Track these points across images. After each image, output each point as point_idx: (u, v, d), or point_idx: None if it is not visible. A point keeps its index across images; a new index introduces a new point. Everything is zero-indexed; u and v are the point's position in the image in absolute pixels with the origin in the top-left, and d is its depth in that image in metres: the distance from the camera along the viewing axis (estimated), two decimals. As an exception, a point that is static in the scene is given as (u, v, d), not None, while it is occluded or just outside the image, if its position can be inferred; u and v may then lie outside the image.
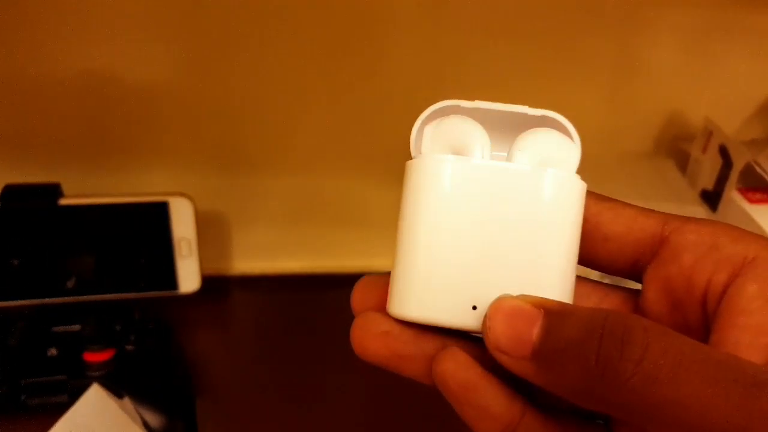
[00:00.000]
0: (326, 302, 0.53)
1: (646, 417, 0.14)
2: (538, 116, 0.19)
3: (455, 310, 0.17)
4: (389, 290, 0.18)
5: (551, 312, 0.15)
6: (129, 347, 0.41)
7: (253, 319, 0.51)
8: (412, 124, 0.57)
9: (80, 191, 0.41)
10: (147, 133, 0.47)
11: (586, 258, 0.18)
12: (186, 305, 0.47)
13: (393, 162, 0.55)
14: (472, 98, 0.53)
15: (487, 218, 0.17)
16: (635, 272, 0.18)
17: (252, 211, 0.52)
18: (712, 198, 0.48)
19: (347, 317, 0.60)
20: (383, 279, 0.19)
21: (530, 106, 0.20)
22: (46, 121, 0.45)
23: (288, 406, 0.43)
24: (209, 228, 0.50)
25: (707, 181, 0.49)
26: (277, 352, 0.47)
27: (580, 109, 0.50)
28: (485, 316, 0.16)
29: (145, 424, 0.38)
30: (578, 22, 0.47)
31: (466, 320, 0.17)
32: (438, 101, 0.21)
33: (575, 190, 0.18)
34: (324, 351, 0.48)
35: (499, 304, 0.16)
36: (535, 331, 0.15)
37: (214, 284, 0.51)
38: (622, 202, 0.18)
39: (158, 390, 0.40)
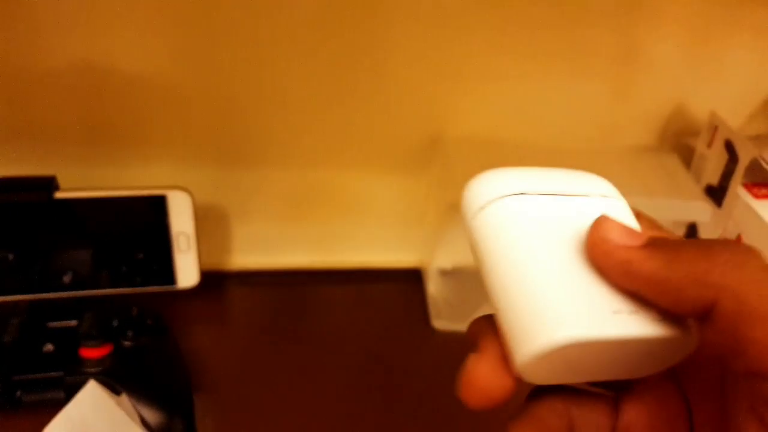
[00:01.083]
0: (324, 296, 0.53)
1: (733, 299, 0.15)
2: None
3: (599, 318, 0.17)
4: (512, 340, 0.17)
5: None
6: (126, 343, 0.40)
7: (251, 315, 0.51)
8: (412, 118, 0.56)
9: (76, 184, 0.40)
10: (144, 126, 0.46)
11: None
12: (184, 300, 0.46)
13: (392, 157, 0.56)
14: (475, 93, 0.52)
15: (562, 239, 0.18)
16: None
17: (251, 206, 0.52)
18: (716, 193, 0.48)
19: (344, 311, 0.60)
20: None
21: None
22: (41, 114, 0.44)
23: (286, 401, 0.43)
24: (208, 222, 0.50)
25: (712, 177, 0.48)
26: (275, 347, 0.47)
27: (584, 103, 0.50)
28: (599, 217, 0.18)
29: (143, 421, 0.37)
30: (582, 15, 0.46)
31: (616, 325, 0.17)
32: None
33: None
34: (322, 346, 0.48)
35: (607, 217, 0.18)
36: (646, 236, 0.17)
37: (212, 279, 0.51)
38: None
39: (156, 386, 0.39)
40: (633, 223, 0.19)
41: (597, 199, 0.20)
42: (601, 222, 0.18)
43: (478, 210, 0.19)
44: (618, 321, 0.16)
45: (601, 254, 0.17)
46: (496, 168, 0.21)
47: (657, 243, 0.17)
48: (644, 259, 0.16)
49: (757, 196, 0.45)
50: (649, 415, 0.19)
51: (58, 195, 0.40)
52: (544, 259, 0.17)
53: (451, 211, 0.46)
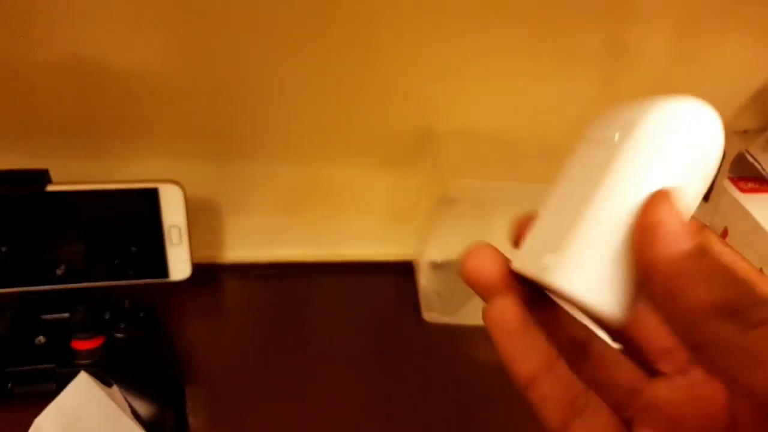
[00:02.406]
0: (316, 289, 0.53)
1: (749, 366, 0.14)
2: None
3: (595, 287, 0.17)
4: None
5: (711, 238, 0.16)
6: (118, 335, 0.41)
7: (244, 307, 0.51)
8: (403, 114, 0.56)
9: (69, 178, 0.40)
10: (138, 120, 0.46)
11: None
12: (177, 293, 0.46)
13: (384, 152, 0.56)
14: (465, 88, 0.52)
15: None
16: None
17: (244, 199, 0.52)
18: (704, 187, 0.48)
19: (337, 304, 0.61)
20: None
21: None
22: (34, 108, 0.44)
23: (279, 393, 0.43)
24: (201, 215, 0.50)
25: (699, 171, 0.49)
26: (268, 339, 0.47)
27: (572, 98, 0.51)
28: (660, 190, 0.16)
29: (134, 413, 0.38)
30: (570, 11, 0.47)
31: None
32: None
33: None
34: (315, 338, 0.48)
35: (675, 202, 0.16)
36: (702, 239, 0.15)
37: (205, 272, 0.51)
38: None
39: (147, 378, 0.40)
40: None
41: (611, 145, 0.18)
42: (656, 202, 0.15)
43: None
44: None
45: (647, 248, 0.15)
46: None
47: (704, 252, 0.15)
48: (674, 262, 0.15)
49: (743, 190, 0.46)
50: (679, 399, 0.18)
51: (51, 188, 0.40)
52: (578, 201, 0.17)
53: (442, 205, 0.46)
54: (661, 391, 0.19)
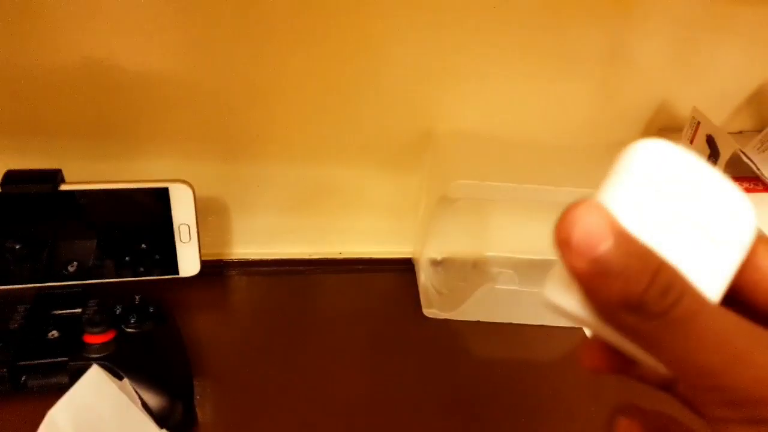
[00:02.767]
0: (321, 285, 0.54)
1: (658, 352, 0.17)
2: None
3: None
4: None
5: (622, 236, 0.17)
6: (129, 329, 0.41)
7: (250, 302, 0.52)
8: (405, 114, 0.57)
9: (82, 178, 0.41)
10: (148, 120, 0.47)
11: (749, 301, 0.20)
12: (186, 288, 0.47)
13: (386, 152, 0.57)
14: (465, 89, 0.53)
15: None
16: None
17: (251, 198, 0.53)
18: (699, 187, 0.49)
19: (340, 299, 0.61)
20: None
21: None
22: (48, 108, 0.45)
23: (284, 385, 0.44)
24: (209, 213, 0.51)
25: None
26: (273, 333, 0.48)
27: (570, 99, 0.51)
28: (567, 208, 0.17)
29: (144, 405, 0.38)
30: (569, 14, 0.47)
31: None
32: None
33: None
34: (319, 333, 0.49)
35: (586, 208, 0.17)
36: (605, 245, 0.17)
37: (213, 268, 0.52)
38: None
39: (157, 371, 0.40)
40: (720, 280, 0.18)
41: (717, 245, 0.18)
42: (569, 221, 0.17)
43: (624, 169, 0.19)
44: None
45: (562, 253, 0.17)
46: (670, 146, 0.19)
47: (607, 261, 0.17)
48: (581, 275, 0.17)
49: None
50: None
51: (64, 187, 0.41)
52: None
53: (442, 204, 0.47)
54: None
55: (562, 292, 0.18)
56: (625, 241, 0.17)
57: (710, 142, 0.47)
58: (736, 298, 0.20)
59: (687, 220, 0.18)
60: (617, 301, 0.17)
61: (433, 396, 0.44)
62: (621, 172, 0.18)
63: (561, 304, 0.18)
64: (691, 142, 0.50)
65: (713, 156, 0.47)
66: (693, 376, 0.16)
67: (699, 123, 0.49)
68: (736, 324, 0.17)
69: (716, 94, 0.53)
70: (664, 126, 0.54)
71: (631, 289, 0.16)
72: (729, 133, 0.47)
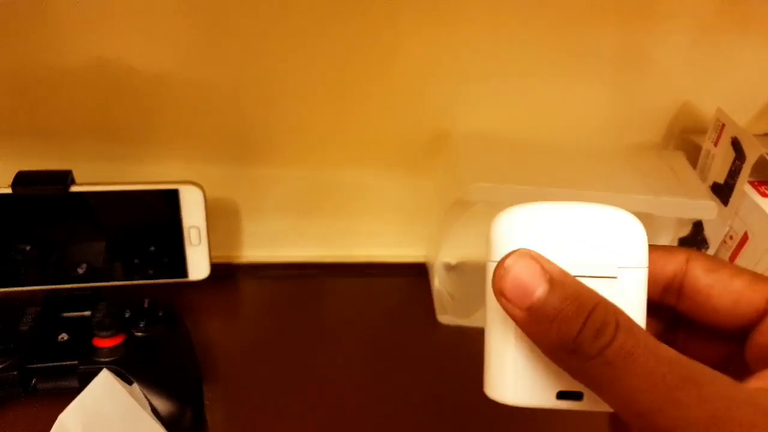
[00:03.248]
0: (332, 290, 0.54)
1: (600, 392, 0.17)
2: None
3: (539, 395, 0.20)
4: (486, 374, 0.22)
5: (555, 281, 0.18)
6: (138, 333, 0.41)
7: (260, 307, 0.51)
8: (418, 115, 0.57)
9: (92, 179, 0.41)
10: (159, 123, 0.47)
11: (701, 322, 0.21)
12: (196, 292, 0.47)
13: (399, 153, 0.56)
14: (481, 90, 0.52)
15: None
16: (742, 339, 0.21)
17: (261, 201, 0.52)
18: (723, 191, 0.48)
19: (351, 304, 0.61)
20: None
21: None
22: (59, 111, 0.45)
23: (294, 390, 0.44)
24: (218, 216, 0.51)
25: (718, 174, 0.48)
26: (283, 339, 0.48)
27: (590, 100, 0.50)
28: (500, 260, 0.19)
29: (154, 410, 0.38)
30: (588, 13, 0.46)
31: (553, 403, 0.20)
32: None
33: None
34: (329, 338, 0.49)
35: (517, 258, 0.18)
36: (538, 293, 0.18)
37: (223, 272, 0.51)
38: (731, 271, 0.21)
39: (166, 376, 0.40)
40: (638, 304, 0.20)
41: (612, 275, 0.20)
42: (504, 273, 0.18)
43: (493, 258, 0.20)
44: (555, 402, 0.20)
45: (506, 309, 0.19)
46: (520, 209, 0.21)
47: (541, 310, 0.18)
48: (520, 323, 0.18)
49: (764, 194, 0.45)
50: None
51: (74, 189, 0.41)
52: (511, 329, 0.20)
53: (457, 207, 0.47)
54: None
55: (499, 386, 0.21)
56: (559, 284, 0.18)
57: (735, 144, 0.46)
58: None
59: (587, 261, 0.19)
60: (555, 344, 0.17)
61: (448, 405, 0.44)
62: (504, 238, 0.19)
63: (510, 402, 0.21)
64: (716, 144, 0.48)
65: (739, 159, 0.46)
66: (632, 416, 0.17)
67: (723, 125, 0.47)
68: (669, 361, 0.17)
69: (741, 95, 0.51)
70: (687, 128, 0.52)
71: (566, 332, 0.17)
72: (755, 135, 0.45)
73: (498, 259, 0.19)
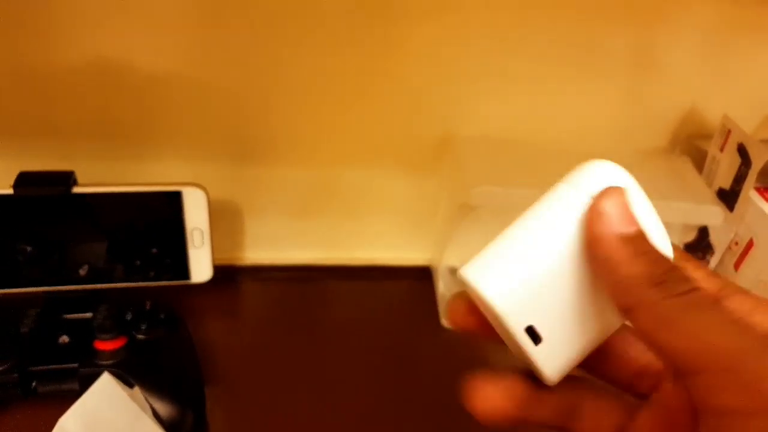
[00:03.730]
0: (335, 292, 0.54)
1: (668, 333, 0.16)
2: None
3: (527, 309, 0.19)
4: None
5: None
6: (140, 336, 0.41)
7: (263, 309, 0.51)
8: (424, 117, 0.56)
9: (95, 180, 0.41)
10: (160, 123, 0.47)
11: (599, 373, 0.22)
12: (198, 294, 0.47)
13: (404, 156, 0.56)
14: (487, 93, 0.52)
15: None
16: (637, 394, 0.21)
17: (264, 202, 0.52)
18: (728, 197, 0.47)
19: (354, 307, 0.60)
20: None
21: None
22: (61, 110, 0.45)
23: (296, 394, 0.43)
24: (221, 218, 0.50)
25: (724, 180, 0.48)
26: (286, 341, 0.48)
27: (596, 104, 0.50)
28: (607, 186, 0.19)
29: (155, 413, 0.38)
30: (596, 18, 0.46)
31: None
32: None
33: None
34: (332, 341, 0.48)
35: (621, 191, 0.19)
36: (633, 227, 0.18)
37: (225, 274, 0.51)
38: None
39: (168, 379, 0.40)
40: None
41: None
42: (607, 193, 0.18)
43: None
44: (520, 330, 0.19)
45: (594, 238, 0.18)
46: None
47: (637, 239, 0.18)
48: (616, 250, 0.18)
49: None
50: (656, 423, 0.20)
51: (77, 190, 0.40)
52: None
53: (462, 211, 0.46)
54: (641, 420, 0.20)
55: (490, 277, 0.19)
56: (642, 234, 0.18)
57: (741, 150, 0.46)
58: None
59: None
60: (640, 273, 0.17)
61: (451, 408, 0.43)
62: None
63: (483, 288, 0.19)
64: (722, 150, 0.48)
65: (745, 165, 0.45)
66: (705, 361, 0.16)
67: (730, 131, 0.47)
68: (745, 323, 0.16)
69: (748, 101, 0.51)
70: (693, 133, 0.52)
71: (657, 267, 0.17)
72: (761, 141, 0.45)
73: (579, 184, 0.19)
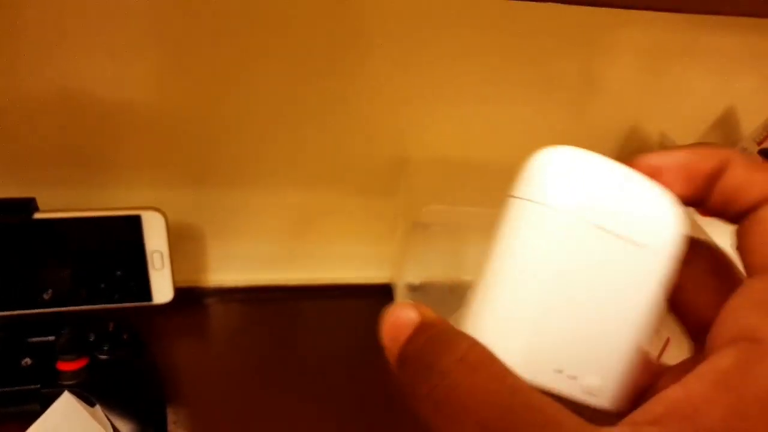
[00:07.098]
0: (300, 313, 0.54)
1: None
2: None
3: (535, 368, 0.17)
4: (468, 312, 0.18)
5: (421, 325, 0.17)
6: (102, 357, 0.42)
7: (227, 330, 0.52)
8: (381, 141, 0.57)
9: (56, 206, 0.42)
10: (123, 149, 0.48)
11: (726, 218, 0.19)
12: (163, 316, 0.47)
13: (363, 178, 0.57)
14: (441, 116, 0.53)
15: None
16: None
17: (227, 225, 0.53)
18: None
19: (318, 326, 0.61)
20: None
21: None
22: (22, 138, 0.46)
23: (260, 414, 0.44)
24: (185, 241, 0.51)
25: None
26: (250, 361, 0.48)
27: (543, 125, 0.52)
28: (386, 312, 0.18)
29: (116, 431, 0.39)
30: (544, 44, 0.48)
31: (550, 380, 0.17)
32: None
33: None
34: (297, 360, 0.49)
35: (395, 308, 0.18)
36: (402, 338, 0.17)
37: (189, 295, 0.52)
38: None
39: (129, 398, 0.41)
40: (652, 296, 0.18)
41: (643, 251, 0.18)
42: (384, 323, 0.18)
43: (525, 198, 0.18)
44: (552, 379, 0.17)
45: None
46: (565, 149, 0.19)
47: (402, 357, 0.17)
48: (397, 374, 0.17)
49: (703, 214, 0.47)
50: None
51: (38, 216, 0.41)
52: (533, 278, 0.17)
53: (416, 229, 0.48)
54: None
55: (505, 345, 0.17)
56: (419, 330, 0.17)
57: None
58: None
59: (620, 218, 0.17)
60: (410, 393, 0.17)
61: (416, 422, 0.44)
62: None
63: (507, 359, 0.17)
64: (660, 165, 0.50)
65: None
66: None
67: (666, 147, 0.50)
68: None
69: (684, 119, 0.54)
70: (634, 150, 0.54)
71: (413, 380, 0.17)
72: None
73: (524, 196, 0.18)
